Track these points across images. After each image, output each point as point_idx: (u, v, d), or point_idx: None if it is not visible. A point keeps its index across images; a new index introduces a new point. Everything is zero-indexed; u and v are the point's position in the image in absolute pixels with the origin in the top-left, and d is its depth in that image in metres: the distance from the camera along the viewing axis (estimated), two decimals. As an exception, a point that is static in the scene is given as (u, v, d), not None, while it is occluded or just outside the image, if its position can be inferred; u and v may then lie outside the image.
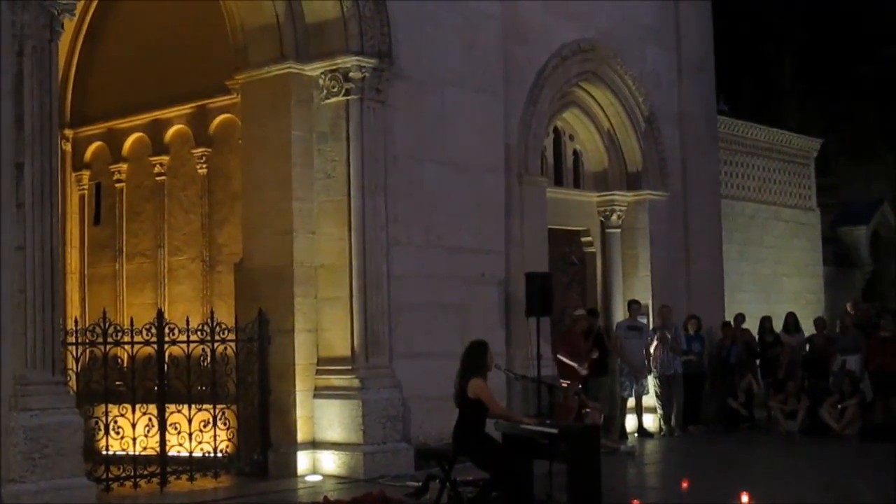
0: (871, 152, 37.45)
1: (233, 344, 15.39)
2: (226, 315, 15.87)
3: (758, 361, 22.57)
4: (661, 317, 20.59)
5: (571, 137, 21.26)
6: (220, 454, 15.51)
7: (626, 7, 21.18)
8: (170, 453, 15.02)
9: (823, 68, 37.05)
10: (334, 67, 15.62)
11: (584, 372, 18.56)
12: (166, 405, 14.99)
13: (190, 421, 15.13)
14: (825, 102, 37.28)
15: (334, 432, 15.35)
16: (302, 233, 15.63)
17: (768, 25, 36.84)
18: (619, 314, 20.95)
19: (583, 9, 20.17)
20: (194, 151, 17.96)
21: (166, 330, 14.89)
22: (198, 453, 15.35)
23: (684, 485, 14.08)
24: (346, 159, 15.55)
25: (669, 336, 20.37)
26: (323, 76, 15.72)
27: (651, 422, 20.62)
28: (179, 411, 15.10)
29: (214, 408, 15.27)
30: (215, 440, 15.39)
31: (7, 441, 11.70)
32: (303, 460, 15.40)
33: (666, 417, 20.57)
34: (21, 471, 11.66)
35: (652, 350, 20.37)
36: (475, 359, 12.13)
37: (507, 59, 18.29)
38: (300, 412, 15.48)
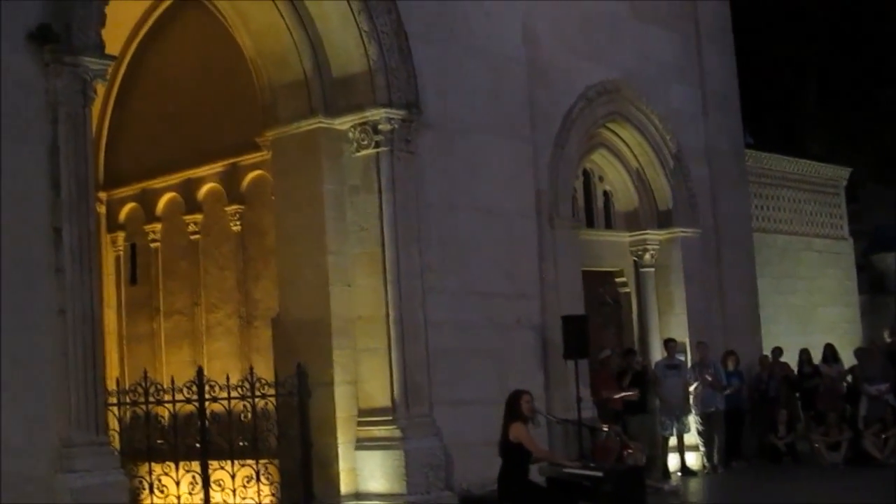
0: (899, 176, 37.30)
1: (273, 398, 15.40)
2: (264, 370, 15.91)
3: (797, 394, 22.47)
4: (698, 353, 20.54)
5: (601, 178, 21.31)
6: (264, 509, 15.54)
7: (648, 46, 21.27)
8: (215, 510, 15.07)
9: (846, 94, 36.98)
10: (363, 120, 15.73)
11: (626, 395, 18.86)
12: (209, 462, 15.02)
13: (233, 477, 15.14)
14: (850, 128, 37.16)
15: (377, 483, 15.32)
16: (338, 285, 15.68)
17: (788, 55, 36.82)
18: (657, 353, 20.89)
19: (606, 50, 20.28)
20: (227, 209, 18.11)
21: (207, 387, 14.96)
22: (242, 509, 15.40)
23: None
24: (378, 211, 15.62)
25: (708, 374, 20.29)
26: (352, 129, 15.82)
27: (693, 460, 20.52)
28: (222, 468, 15.13)
29: (257, 463, 15.27)
30: (259, 495, 15.38)
31: (53, 503, 11.77)
32: (347, 512, 15.42)
33: (708, 455, 20.46)
34: (69, 532, 11.73)
35: (692, 388, 20.29)
36: (510, 407, 12.25)
37: (533, 103, 18.38)
38: (343, 464, 15.47)
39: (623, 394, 19.19)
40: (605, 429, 17.48)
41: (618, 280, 21.28)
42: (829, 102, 37.54)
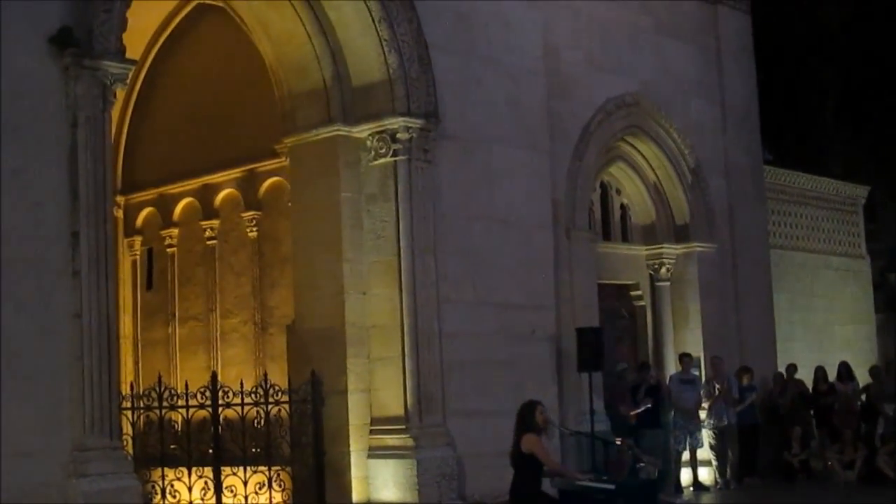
0: (918, 196, 37.18)
1: (286, 406, 15.39)
2: (279, 377, 15.91)
3: (812, 411, 22.38)
4: (712, 368, 20.49)
5: (618, 191, 21.29)
6: (276, 516, 15.54)
7: (668, 60, 21.27)
8: (226, 516, 15.07)
9: (865, 112, 36.90)
10: (381, 129, 15.76)
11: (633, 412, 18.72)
12: (222, 468, 15.01)
13: (245, 483, 15.10)
14: (869, 147, 37.09)
15: (389, 492, 15.33)
16: (353, 293, 15.71)
17: (808, 72, 36.78)
18: (671, 367, 20.84)
19: (625, 63, 20.29)
20: (244, 215, 18.14)
21: (220, 393, 14.97)
22: (254, 515, 15.40)
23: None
24: (395, 219, 15.64)
25: (720, 387, 20.22)
26: (370, 138, 15.86)
27: (706, 475, 20.44)
28: (235, 474, 15.09)
29: (269, 470, 15.27)
30: (271, 502, 15.38)
31: (67, 507, 11.81)
32: (359, 521, 15.41)
33: (721, 470, 20.38)
34: (81, 536, 11.74)
35: (705, 402, 20.23)
36: (525, 417, 12.20)
37: (552, 115, 18.38)
38: (355, 472, 15.49)
39: (641, 409, 19.11)
40: (619, 442, 17.43)
41: (633, 293, 21.26)
42: (849, 121, 37.47)
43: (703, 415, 20.27)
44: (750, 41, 23.54)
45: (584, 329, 17.51)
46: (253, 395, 15.24)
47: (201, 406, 14.88)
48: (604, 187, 20.96)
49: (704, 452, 20.41)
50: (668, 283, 21.30)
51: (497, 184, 17.05)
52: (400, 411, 15.44)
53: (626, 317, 21.09)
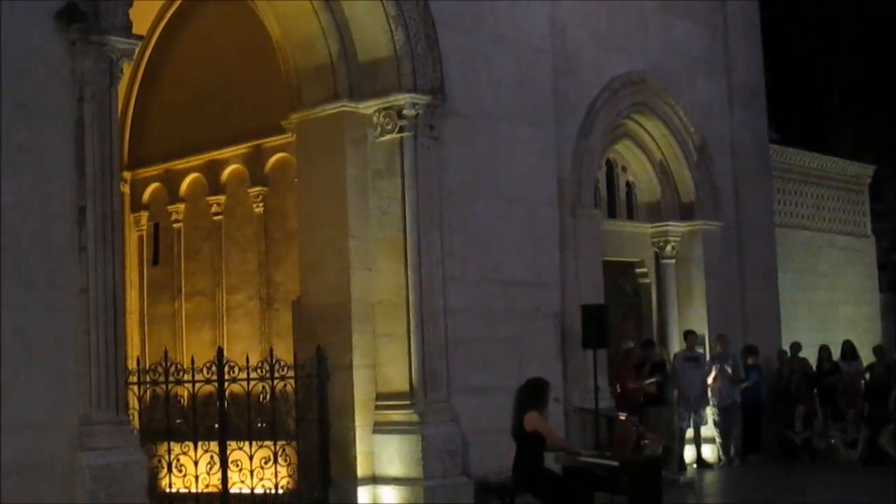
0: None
1: (292, 381, 15.40)
2: (284, 352, 15.92)
3: (815, 390, 22.42)
4: (719, 346, 20.53)
5: (624, 169, 21.31)
6: (280, 491, 15.56)
7: (674, 39, 21.25)
8: (232, 490, 15.06)
9: (872, 93, 36.87)
10: (388, 105, 15.73)
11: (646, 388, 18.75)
12: (227, 442, 15.04)
13: (251, 458, 15.12)
14: (875, 128, 37.07)
15: (394, 467, 15.37)
16: (359, 270, 15.71)
17: (816, 52, 36.74)
18: (676, 345, 20.89)
19: (632, 41, 20.27)
20: (250, 191, 18.19)
21: (226, 368, 14.99)
22: (259, 490, 15.39)
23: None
24: (401, 196, 15.63)
25: (728, 366, 20.29)
26: (377, 114, 15.83)
27: (709, 452, 20.53)
28: (240, 448, 15.11)
29: (275, 444, 15.28)
30: (276, 477, 15.42)
31: (73, 481, 11.83)
32: (363, 496, 15.41)
33: (725, 447, 20.47)
34: (87, 510, 11.79)
35: (710, 380, 20.28)
36: (534, 395, 12.21)
37: (558, 93, 18.38)
38: (360, 448, 15.51)
39: (646, 382, 19.17)
40: (622, 417, 17.49)
41: (638, 271, 21.30)
42: (855, 101, 37.43)
43: (707, 392, 20.35)
44: (757, 21, 23.52)
45: (588, 306, 17.55)
46: (258, 371, 15.22)
47: (207, 381, 14.88)
48: (609, 165, 20.98)
49: (708, 430, 20.50)
50: (673, 261, 21.34)
51: (503, 161, 17.05)
52: (405, 387, 15.47)
53: (630, 294, 21.13)
